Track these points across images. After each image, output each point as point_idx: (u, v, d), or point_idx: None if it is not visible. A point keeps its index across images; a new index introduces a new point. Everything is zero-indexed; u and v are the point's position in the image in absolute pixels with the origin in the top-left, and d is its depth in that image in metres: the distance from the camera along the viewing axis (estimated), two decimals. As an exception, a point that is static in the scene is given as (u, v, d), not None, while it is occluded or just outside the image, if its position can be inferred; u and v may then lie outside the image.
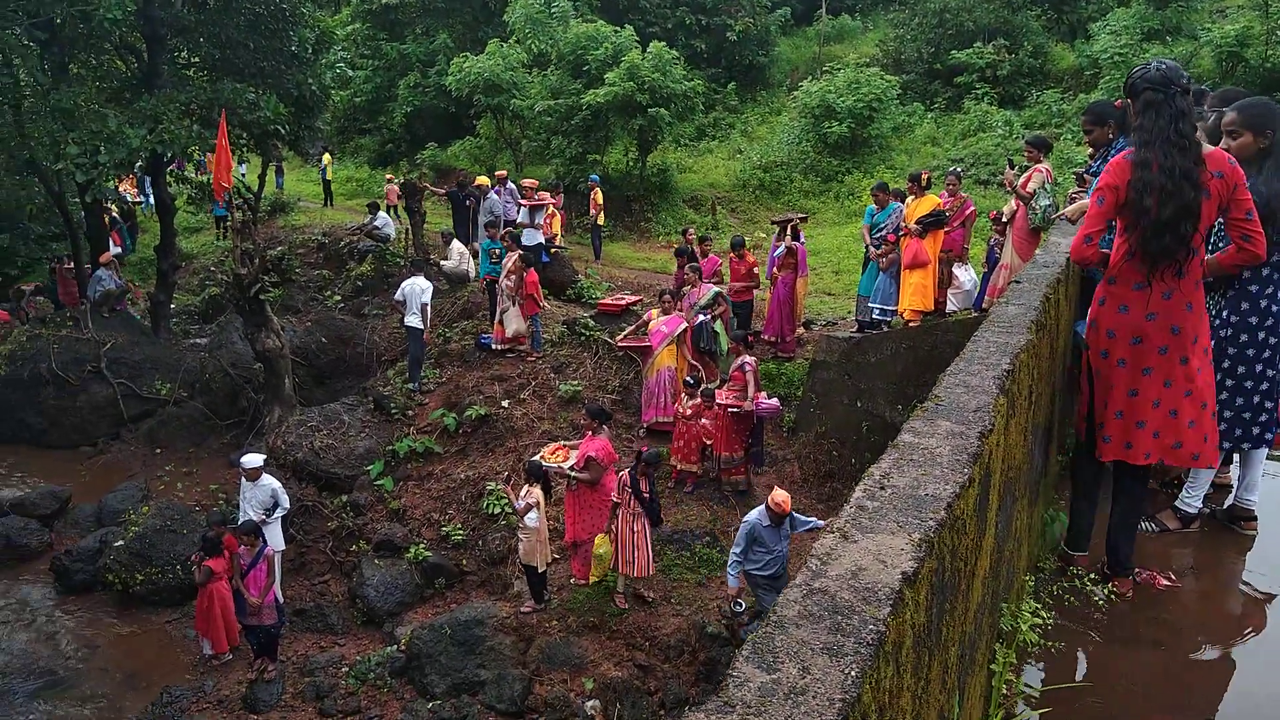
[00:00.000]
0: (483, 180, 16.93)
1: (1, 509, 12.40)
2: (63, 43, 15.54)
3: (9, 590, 11.25)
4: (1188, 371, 4.03)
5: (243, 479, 10.27)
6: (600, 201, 19.30)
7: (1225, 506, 5.05)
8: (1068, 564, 4.47)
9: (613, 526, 8.90)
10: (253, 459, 10.29)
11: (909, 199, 10.86)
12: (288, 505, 10.46)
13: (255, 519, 9.71)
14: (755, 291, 13.94)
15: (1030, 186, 8.44)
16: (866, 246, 11.76)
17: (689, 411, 10.76)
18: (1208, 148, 3.90)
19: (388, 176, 26.60)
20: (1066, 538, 4.58)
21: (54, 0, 13.67)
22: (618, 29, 23.62)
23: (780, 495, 7.78)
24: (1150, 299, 3.99)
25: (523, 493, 9.19)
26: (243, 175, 25.74)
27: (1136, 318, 4.03)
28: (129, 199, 22.70)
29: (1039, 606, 3.98)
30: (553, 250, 16.06)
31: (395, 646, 9.67)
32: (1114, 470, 4.39)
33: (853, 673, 1.60)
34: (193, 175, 20.25)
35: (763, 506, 7.88)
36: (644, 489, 8.72)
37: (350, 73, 26.08)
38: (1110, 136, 6.24)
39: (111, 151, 14.00)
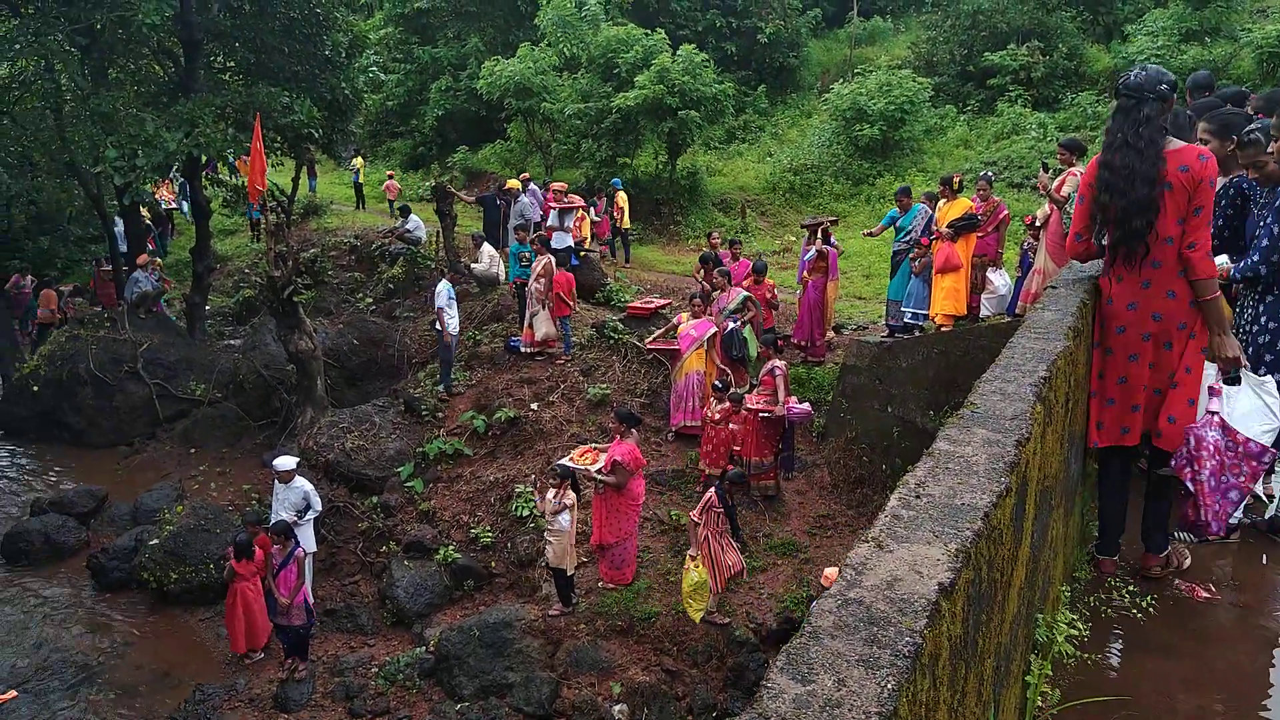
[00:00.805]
0: (513, 184, 16.98)
1: (41, 507, 12.63)
2: (102, 48, 15.83)
3: (47, 587, 11.44)
4: (1171, 357, 4.19)
5: (275, 480, 10.37)
6: (624, 205, 19.25)
7: (1267, 518, 4.95)
8: (1098, 569, 4.49)
9: (706, 551, 8.53)
10: (285, 461, 10.38)
11: (940, 202, 10.77)
12: (319, 507, 10.54)
13: (288, 520, 9.80)
14: (775, 311, 13.64)
15: (1064, 190, 8.34)
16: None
17: (717, 416, 10.72)
18: (1177, 144, 4.04)
19: (388, 174, 26.81)
20: (1097, 543, 4.60)
21: (94, 6, 13.92)
22: (648, 32, 23.64)
23: (830, 572, 7.67)
24: (1130, 289, 4.20)
25: (550, 495, 9.20)
26: (313, 188, 26.17)
27: (1120, 307, 4.24)
28: (164, 204, 23.01)
29: (1075, 617, 3.91)
30: (582, 254, 16.09)
31: (424, 648, 9.72)
32: (1149, 463, 4.48)
33: (889, 685, 1.58)
34: (227, 178, 20.51)
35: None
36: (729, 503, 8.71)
37: (383, 76, 26.36)
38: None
39: (149, 155, 14.24)
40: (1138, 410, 4.26)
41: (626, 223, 19.56)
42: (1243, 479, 4.18)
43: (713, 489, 8.78)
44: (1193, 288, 4.10)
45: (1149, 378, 4.22)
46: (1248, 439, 4.14)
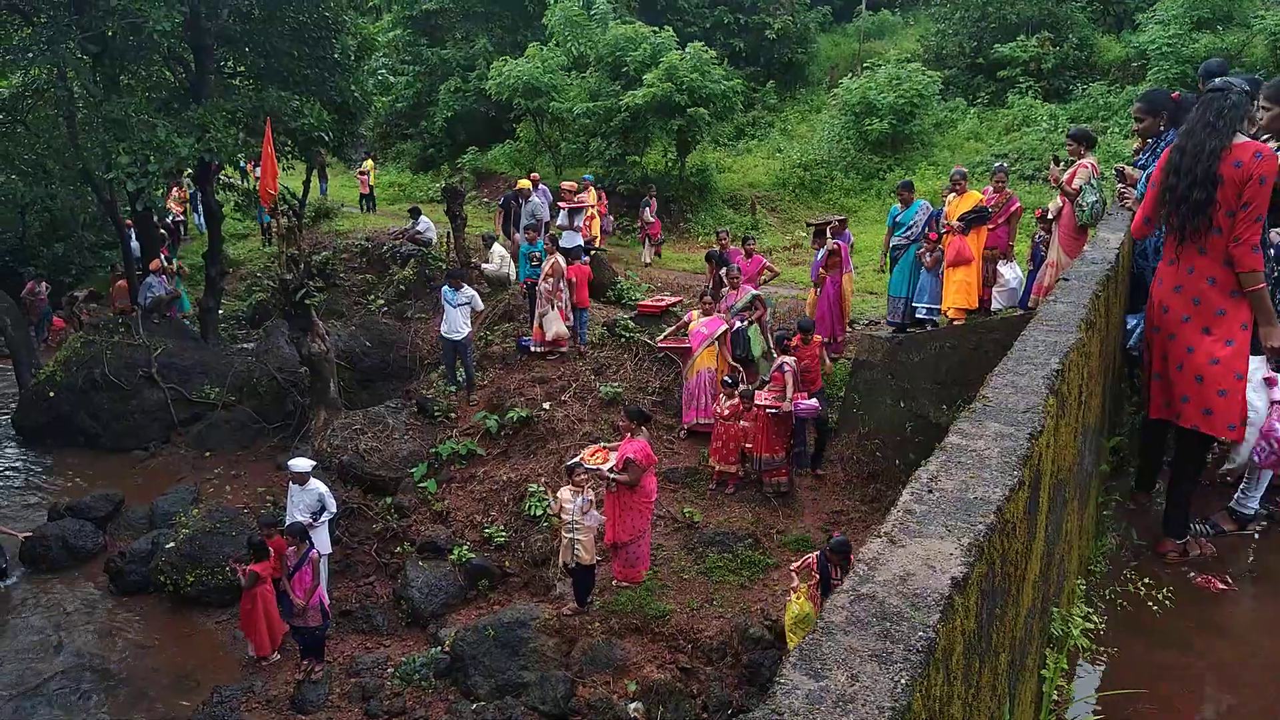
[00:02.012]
0: (524, 183, 16.99)
1: (58, 512, 12.73)
2: (114, 55, 15.91)
3: (66, 591, 11.53)
4: (1210, 343, 4.36)
5: (290, 483, 10.41)
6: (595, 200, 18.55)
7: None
8: (1135, 503, 4.94)
9: (807, 585, 8.23)
10: (301, 463, 10.42)
11: (951, 196, 10.72)
12: (335, 509, 10.57)
13: (303, 522, 9.83)
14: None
15: (1076, 182, 8.28)
16: (889, 248, 11.65)
17: (726, 412, 10.72)
18: (1241, 139, 4.23)
19: (361, 171, 26.92)
20: (1136, 479, 5.06)
21: (106, 14, 14.00)
22: (656, 30, 23.60)
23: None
24: (1177, 273, 4.48)
25: (564, 493, 9.18)
26: (324, 191, 26.20)
27: (1166, 290, 4.53)
28: (171, 216, 23.06)
29: (1090, 611, 3.90)
30: (591, 252, 16.10)
31: (440, 648, 9.74)
32: (1175, 441, 4.75)
33: (902, 680, 1.58)
34: (238, 182, 20.60)
35: None
36: (835, 577, 7.95)
37: (392, 79, 26.49)
38: (1160, 127, 6.13)
39: (161, 160, 14.32)
40: (1174, 389, 4.50)
41: (596, 231, 18.38)
42: None
43: (815, 555, 8.26)
44: (1239, 280, 4.27)
45: (1184, 359, 4.43)
46: None
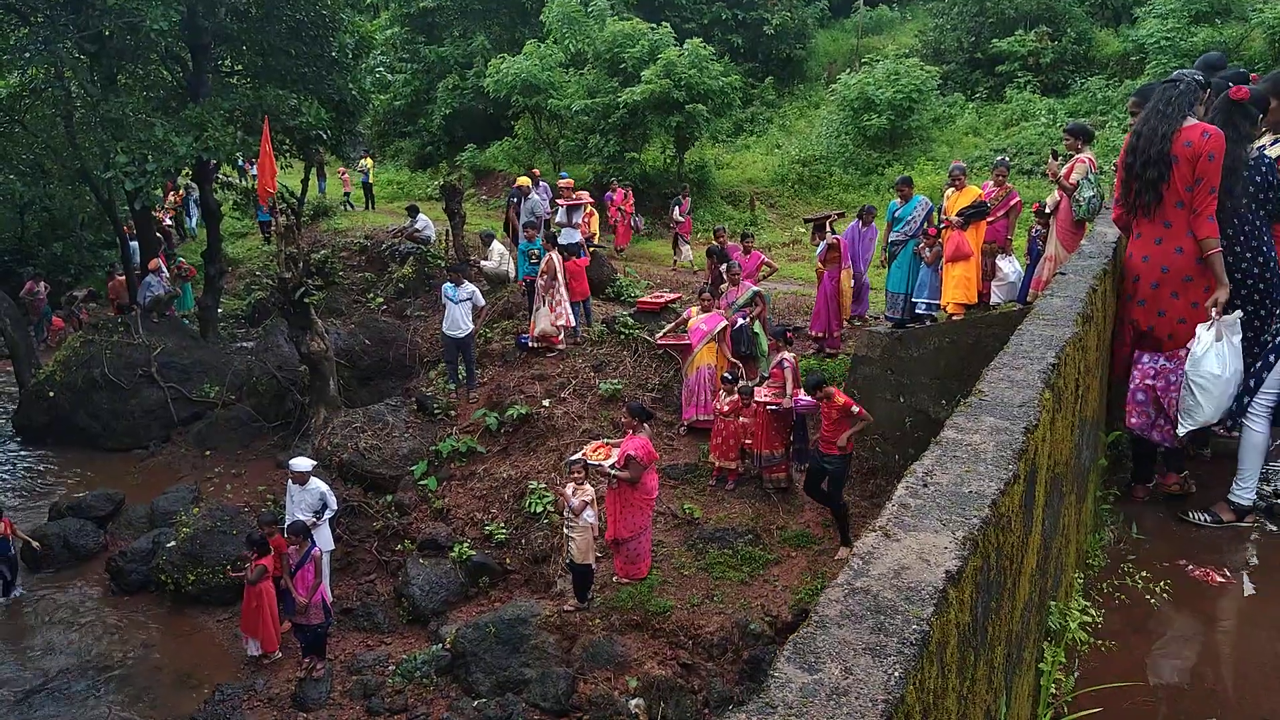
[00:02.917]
0: (523, 181, 16.98)
1: (59, 511, 12.75)
2: (111, 54, 15.91)
3: (68, 590, 11.54)
4: (1177, 306, 4.94)
5: (290, 482, 10.42)
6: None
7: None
8: (1133, 496, 5.28)
9: None
10: (301, 463, 10.42)
11: (950, 191, 10.72)
12: (335, 507, 10.58)
13: (304, 521, 9.84)
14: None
15: (1073, 177, 8.28)
16: (888, 244, 11.65)
17: (726, 408, 10.72)
18: (1191, 122, 4.80)
19: (341, 171, 26.97)
20: (1132, 472, 5.42)
21: (103, 13, 13.99)
22: (654, 26, 23.59)
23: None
24: (1145, 245, 5.04)
25: (570, 490, 9.19)
26: (322, 189, 26.26)
27: (1137, 260, 5.08)
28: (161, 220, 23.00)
29: (1088, 604, 3.91)
30: (590, 249, 16.09)
31: (441, 645, 9.75)
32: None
33: (896, 673, 1.58)
34: (237, 181, 20.60)
35: None
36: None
37: (389, 77, 26.48)
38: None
39: (159, 160, 14.33)
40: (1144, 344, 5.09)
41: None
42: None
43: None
44: (1198, 245, 4.83)
45: (1155, 322, 5.02)
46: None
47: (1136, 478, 5.31)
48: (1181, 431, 4.90)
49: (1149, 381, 5.03)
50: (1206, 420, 4.81)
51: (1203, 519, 4.80)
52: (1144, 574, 4.20)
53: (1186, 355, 4.80)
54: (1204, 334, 4.72)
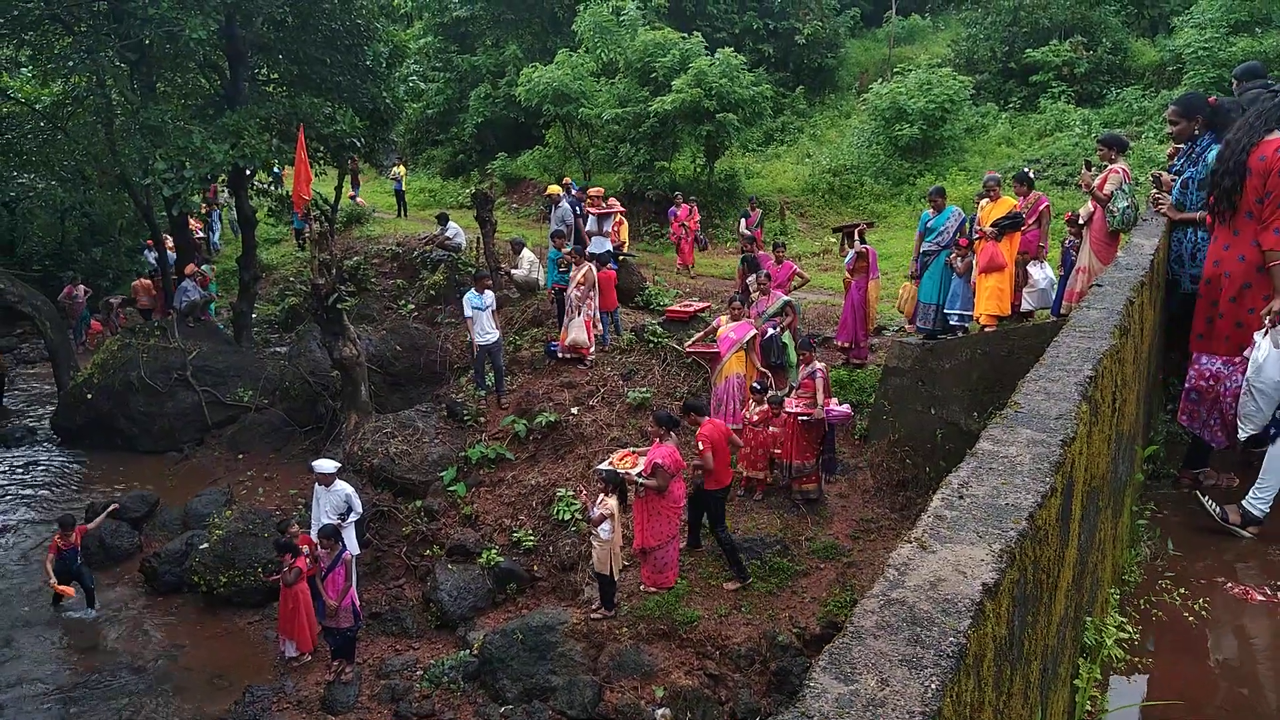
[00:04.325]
0: (554, 189, 17.04)
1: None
2: (151, 63, 16.19)
3: (104, 590, 11.70)
4: (1235, 310, 5.19)
5: (316, 485, 10.51)
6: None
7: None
8: (1179, 483, 5.49)
9: None
10: (326, 465, 10.51)
11: (984, 201, 10.64)
12: (361, 510, 10.66)
13: (330, 523, 9.91)
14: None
15: (1107, 188, 8.19)
16: (919, 255, 11.50)
17: (756, 418, 10.69)
18: (1274, 135, 4.91)
19: (350, 192, 27.08)
20: (1186, 456, 5.61)
21: (143, 23, 14.24)
22: (685, 35, 23.64)
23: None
24: (1216, 249, 5.33)
25: (598, 501, 9.21)
26: (355, 197, 26.49)
27: (1209, 263, 5.39)
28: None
29: (1124, 620, 3.85)
30: (620, 257, 16.12)
31: (468, 651, 9.79)
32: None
33: (933, 685, 1.57)
34: (271, 188, 20.85)
35: None
36: None
37: (423, 85, 26.66)
38: (1195, 131, 6.07)
39: (196, 166, 14.55)
40: (1202, 340, 5.38)
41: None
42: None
43: None
44: (1263, 255, 5.01)
45: (1218, 321, 5.26)
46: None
47: (1189, 463, 5.48)
48: (1242, 436, 4.97)
49: (1203, 383, 5.17)
50: (1264, 425, 4.86)
51: (1215, 509, 4.81)
52: (1181, 591, 4.14)
53: (1241, 360, 4.91)
54: (1262, 341, 4.78)
